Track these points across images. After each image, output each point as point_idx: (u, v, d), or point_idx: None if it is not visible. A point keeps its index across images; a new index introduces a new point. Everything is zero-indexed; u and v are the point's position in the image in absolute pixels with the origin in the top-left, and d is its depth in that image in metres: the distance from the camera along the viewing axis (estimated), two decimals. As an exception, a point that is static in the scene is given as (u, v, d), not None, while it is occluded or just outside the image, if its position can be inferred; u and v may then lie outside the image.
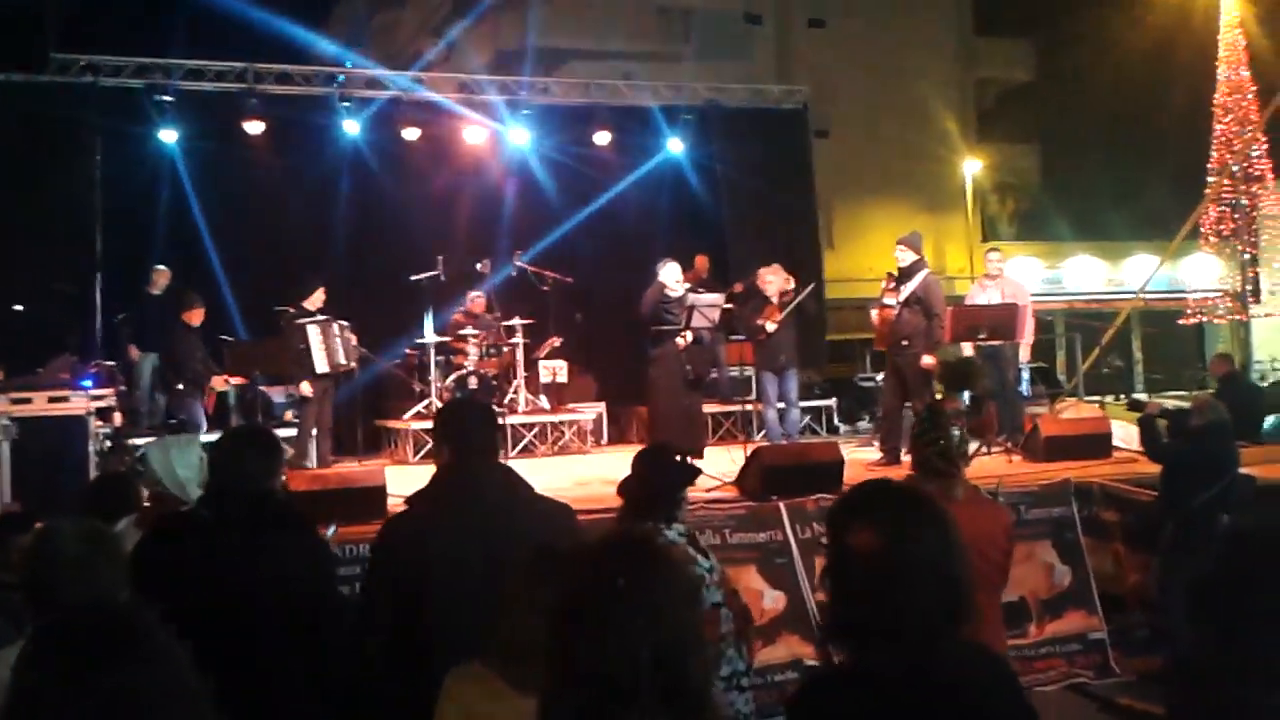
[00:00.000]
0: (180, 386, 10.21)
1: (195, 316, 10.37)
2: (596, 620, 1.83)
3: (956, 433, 4.05)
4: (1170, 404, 8.46)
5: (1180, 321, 23.06)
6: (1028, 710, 2.13)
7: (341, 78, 13.47)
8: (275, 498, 3.45)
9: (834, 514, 2.17)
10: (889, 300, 9.38)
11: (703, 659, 1.91)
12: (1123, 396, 14.17)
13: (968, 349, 9.68)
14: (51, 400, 7.49)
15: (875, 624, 1.99)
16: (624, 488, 4.05)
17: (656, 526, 3.89)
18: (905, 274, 9.40)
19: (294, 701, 3.19)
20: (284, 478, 7.02)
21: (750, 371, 10.97)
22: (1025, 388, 11.31)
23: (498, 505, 3.30)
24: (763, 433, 10.30)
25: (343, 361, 10.10)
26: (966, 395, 4.85)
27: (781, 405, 9.81)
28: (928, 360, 9.19)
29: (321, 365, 9.90)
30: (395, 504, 5.82)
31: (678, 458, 4.25)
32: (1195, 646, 1.53)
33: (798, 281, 10.09)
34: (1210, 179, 19.71)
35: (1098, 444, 9.06)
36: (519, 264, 12.41)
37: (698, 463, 8.32)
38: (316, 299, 10.11)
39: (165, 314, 11.03)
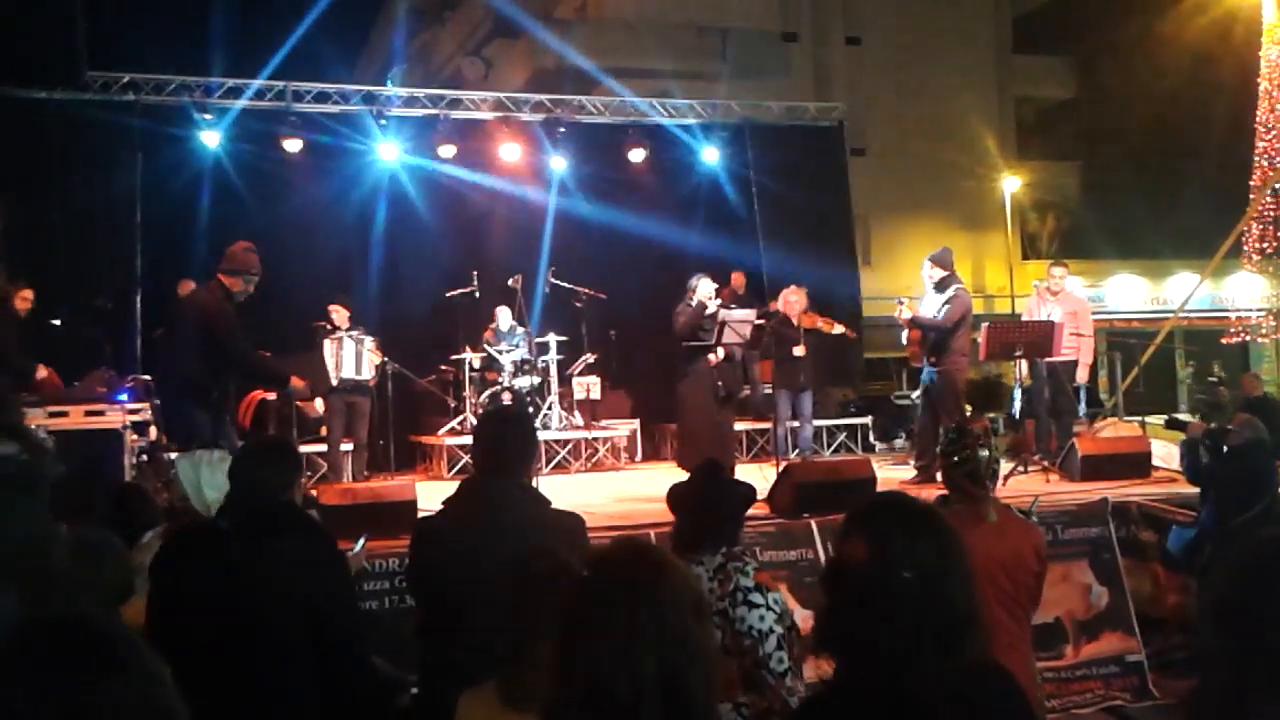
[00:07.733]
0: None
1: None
2: (599, 632, 1.78)
3: (985, 453, 3.99)
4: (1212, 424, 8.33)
5: (1223, 341, 22.71)
6: None
7: (385, 97, 13.56)
8: (291, 508, 3.47)
9: (841, 525, 2.15)
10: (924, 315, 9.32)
11: (709, 674, 1.84)
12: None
13: (1023, 366, 9.48)
14: (87, 414, 7.53)
15: (857, 637, 1.95)
16: (684, 505, 3.77)
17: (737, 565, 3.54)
18: (938, 287, 9.32)
19: (302, 712, 3.19)
20: (312, 491, 7.12)
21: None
22: (1082, 407, 11.08)
23: (511, 519, 3.30)
24: (797, 451, 10.25)
25: (351, 375, 10.07)
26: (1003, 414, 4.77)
27: (795, 423, 9.79)
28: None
29: (332, 379, 9.99)
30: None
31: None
32: (1213, 665, 1.47)
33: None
34: (1252, 196, 19.42)
35: (1136, 463, 8.93)
36: (553, 280, 12.43)
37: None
38: (341, 315, 10.19)
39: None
